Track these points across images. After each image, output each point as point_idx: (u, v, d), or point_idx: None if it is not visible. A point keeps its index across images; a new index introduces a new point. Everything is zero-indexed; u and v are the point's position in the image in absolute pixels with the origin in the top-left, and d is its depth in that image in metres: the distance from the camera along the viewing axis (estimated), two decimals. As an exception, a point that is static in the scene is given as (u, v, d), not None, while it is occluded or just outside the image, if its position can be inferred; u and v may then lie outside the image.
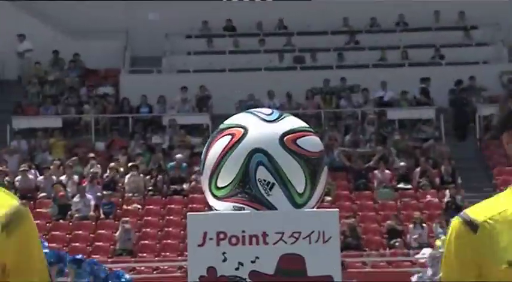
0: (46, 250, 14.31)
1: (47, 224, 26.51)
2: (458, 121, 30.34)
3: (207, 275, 5.97)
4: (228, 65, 33.15)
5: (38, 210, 27.14)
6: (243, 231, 6.12)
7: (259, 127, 6.51)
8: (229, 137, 6.48)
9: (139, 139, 30.64)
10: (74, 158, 29.29)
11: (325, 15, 34.27)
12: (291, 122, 6.65)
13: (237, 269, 6.04)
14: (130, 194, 27.91)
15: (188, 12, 34.30)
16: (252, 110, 6.67)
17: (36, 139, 30.80)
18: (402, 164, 28.54)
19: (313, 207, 6.71)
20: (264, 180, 6.43)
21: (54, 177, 28.28)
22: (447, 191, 27.03)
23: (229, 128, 6.60)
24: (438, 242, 22.67)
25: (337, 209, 6.20)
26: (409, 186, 28.08)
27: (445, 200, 26.74)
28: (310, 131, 6.68)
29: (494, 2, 33.81)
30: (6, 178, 28.29)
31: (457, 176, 28.37)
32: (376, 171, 28.28)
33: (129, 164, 28.67)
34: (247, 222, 6.15)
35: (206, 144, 6.59)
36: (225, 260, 6.03)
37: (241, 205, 6.58)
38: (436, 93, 32.36)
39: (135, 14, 34.34)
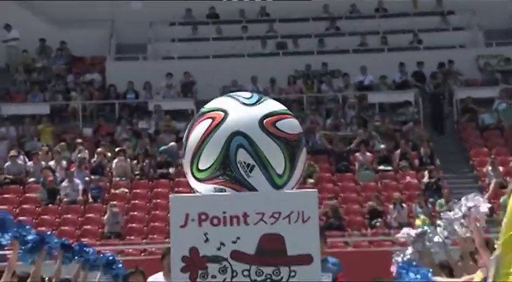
0: (32, 236, 14.23)
1: (36, 209, 26.38)
2: (435, 117, 30.22)
3: (189, 255, 5.95)
4: (212, 51, 33.04)
5: (27, 195, 27.07)
6: (224, 212, 6.11)
7: (239, 110, 6.49)
8: (210, 120, 6.47)
9: (125, 125, 30.52)
10: (62, 144, 29.15)
11: (306, 2, 34.21)
12: (270, 105, 6.64)
13: (218, 249, 6.03)
14: (117, 179, 27.81)
15: (172, 1, 34.25)
16: (232, 93, 6.65)
17: (24, 125, 30.66)
18: (382, 146, 28.51)
19: (292, 188, 6.70)
20: (244, 163, 6.42)
21: (43, 162, 28.17)
22: (426, 172, 27.04)
23: (210, 111, 6.58)
24: (418, 221, 22.73)
25: (315, 190, 6.20)
26: (389, 168, 28.04)
27: (424, 180, 26.76)
28: (289, 114, 6.66)
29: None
30: (-2, 164, 28.25)
31: (436, 158, 28.38)
32: (357, 154, 28.22)
33: (116, 149, 28.57)
34: (228, 204, 6.13)
35: (188, 128, 6.58)
36: (207, 240, 6.01)
37: (222, 187, 6.56)
38: (416, 77, 32.30)
39: (119, 3, 34.23)
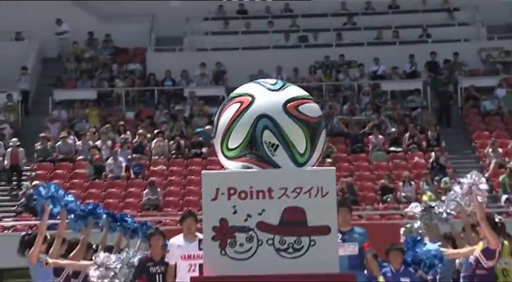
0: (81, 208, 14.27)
1: (84, 183, 26.40)
2: (442, 112, 29.98)
3: (219, 226, 5.96)
4: (241, 44, 32.92)
5: (76, 171, 27.10)
6: (251, 187, 6.11)
7: (265, 95, 6.47)
8: (239, 104, 6.44)
9: (163, 109, 30.48)
10: (107, 126, 29.14)
11: (324, 1, 34.13)
12: (293, 91, 6.61)
13: (245, 220, 6.03)
14: (156, 157, 27.79)
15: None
16: (258, 80, 6.65)
17: (74, 109, 30.66)
18: (393, 130, 28.36)
19: (313, 166, 6.69)
20: (269, 142, 6.40)
21: (90, 142, 28.19)
22: (432, 153, 26.90)
23: (239, 96, 6.56)
24: (425, 197, 22.59)
25: (334, 168, 6.16)
26: (399, 149, 27.86)
27: (431, 160, 26.63)
28: (310, 99, 6.62)
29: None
30: (49, 143, 28.27)
31: (441, 140, 28.24)
32: (370, 136, 28.07)
33: (155, 131, 28.58)
34: (255, 179, 6.13)
35: (218, 111, 6.56)
36: (235, 212, 6.01)
37: (249, 164, 6.54)
38: (423, 67, 32.09)
39: (158, 2, 34.19)
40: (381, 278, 10.95)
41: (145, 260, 11.95)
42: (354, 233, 10.68)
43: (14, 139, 27.16)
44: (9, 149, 26.63)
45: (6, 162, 26.41)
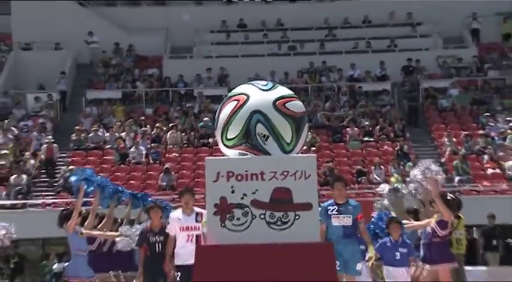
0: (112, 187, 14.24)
1: (112, 168, 26.28)
2: (411, 115, 29.94)
3: (219, 203, 5.93)
4: (241, 52, 32.78)
5: (105, 157, 27.02)
6: (246, 171, 6.07)
7: (258, 94, 6.43)
8: (236, 102, 6.41)
9: (176, 106, 30.38)
10: (130, 120, 29.05)
11: (310, 15, 33.97)
12: (281, 91, 6.57)
13: (241, 198, 5.99)
14: (171, 146, 27.70)
15: (211, 13, 34.14)
16: (252, 82, 6.62)
17: (103, 106, 30.58)
18: (367, 123, 28.33)
19: (297, 153, 6.65)
20: (262, 134, 6.36)
21: (116, 133, 28.08)
22: (398, 143, 26.88)
23: (236, 95, 6.52)
24: (392, 179, 22.58)
25: (315, 155, 6.13)
26: (371, 139, 27.77)
27: (397, 149, 26.60)
28: (295, 97, 6.59)
29: (433, 5, 33.56)
30: (82, 134, 28.20)
31: (406, 132, 28.22)
32: (348, 129, 28.02)
33: (170, 124, 28.54)
34: (249, 164, 6.10)
35: (219, 107, 6.53)
36: (233, 191, 5.98)
37: (244, 152, 6.51)
38: (391, 72, 32.05)
39: (174, 16, 34.09)
40: (371, 248, 10.51)
41: (146, 230, 11.64)
42: (348, 205, 10.24)
43: (49, 137, 27.08)
44: (45, 145, 26.54)
45: (42, 156, 26.31)
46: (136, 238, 11.91)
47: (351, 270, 10.17)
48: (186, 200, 10.90)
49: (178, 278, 10.80)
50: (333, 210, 10.07)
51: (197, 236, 10.47)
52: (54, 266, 21.23)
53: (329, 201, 10.25)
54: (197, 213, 10.64)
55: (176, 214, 11.01)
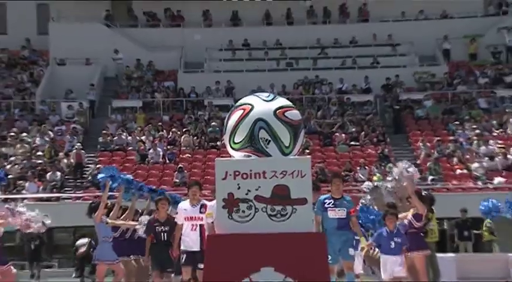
0: (133, 183, 14.23)
1: (133, 166, 26.26)
2: (395, 117, 29.94)
3: (227, 198, 5.91)
4: (245, 68, 32.76)
5: (127, 158, 27.02)
6: (250, 170, 6.06)
7: (261, 105, 6.42)
8: (242, 111, 6.39)
9: (190, 114, 30.43)
10: (149, 126, 29.05)
11: (305, 36, 34.00)
12: (281, 101, 6.56)
13: (246, 194, 5.97)
14: (184, 148, 27.72)
15: (220, 34, 34.15)
16: (256, 93, 6.61)
17: (126, 114, 30.60)
18: (353, 129, 28.35)
19: (294, 156, 6.65)
20: (264, 138, 6.35)
21: (137, 137, 28.09)
22: (380, 147, 26.86)
23: (242, 105, 6.50)
24: (375, 177, 22.56)
25: (309, 157, 6.12)
26: (357, 144, 27.81)
27: (379, 152, 26.59)
28: (293, 107, 6.57)
29: (410, 28, 33.62)
30: (108, 138, 28.22)
31: (386, 137, 28.21)
32: (337, 134, 28.09)
33: (184, 129, 28.56)
34: (253, 165, 6.08)
35: (227, 115, 6.52)
36: (239, 188, 5.96)
37: (249, 154, 6.52)
38: (374, 86, 32.00)
39: (187, 36, 34.11)
40: (363, 239, 10.41)
41: (153, 221, 11.35)
42: (343, 200, 10.06)
43: (78, 144, 27.15)
44: (75, 150, 26.54)
45: (72, 160, 26.30)
46: None
47: (345, 256, 9.94)
48: (194, 192, 10.59)
49: (183, 261, 10.55)
50: (329, 203, 9.91)
51: (201, 226, 10.27)
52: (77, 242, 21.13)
53: (326, 195, 10.09)
54: (202, 205, 10.40)
55: (183, 205, 10.71)
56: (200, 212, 10.27)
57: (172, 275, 11.58)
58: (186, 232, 10.43)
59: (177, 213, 10.81)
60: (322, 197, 10.07)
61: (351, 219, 10.08)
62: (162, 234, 10.96)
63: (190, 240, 10.37)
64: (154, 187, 16.34)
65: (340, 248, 9.88)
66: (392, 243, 10.48)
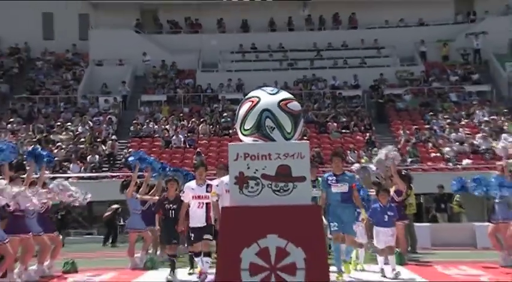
0: (159, 164, 14.21)
1: (159, 150, 26.24)
2: (380, 109, 29.83)
3: (238, 175, 5.87)
4: (253, 67, 32.67)
5: (154, 143, 27.02)
6: (258, 153, 6.02)
7: (267, 97, 6.38)
8: (251, 102, 6.35)
9: (206, 106, 30.38)
10: (172, 116, 29.04)
11: (304, 41, 33.86)
12: (284, 94, 6.51)
13: (254, 172, 5.92)
14: (202, 135, 27.72)
15: (232, 39, 34.04)
16: (262, 88, 6.57)
17: (153, 106, 30.61)
18: (344, 119, 28.26)
19: (295, 140, 6.62)
20: (269, 126, 6.31)
21: (163, 126, 28.13)
22: (367, 134, 26.77)
23: (251, 97, 6.46)
24: (362, 160, 22.49)
25: (308, 142, 6.06)
26: (348, 131, 27.75)
27: (366, 138, 26.50)
28: (294, 99, 6.54)
29: (393, 33, 33.46)
30: (138, 126, 28.21)
31: (372, 126, 28.11)
32: (330, 123, 28.01)
33: (201, 119, 28.51)
34: (260, 148, 6.05)
35: (238, 106, 6.49)
36: (248, 168, 5.91)
37: (257, 139, 6.50)
38: (362, 82, 31.88)
39: (204, 41, 34.02)
40: (363, 210, 9.98)
41: (163, 199, 10.71)
42: (345, 176, 9.63)
43: (114, 137, 27.07)
44: (110, 141, 26.48)
45: (107, 151, 26.22)
46: None
47: (349, 231, 9.62)
48: (200, 172, 9.96)
49: (192, 239, 10.10)
50: (332, 180, 9.55)
51: (207, 204, 9.83)
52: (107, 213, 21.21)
53: (329, 173, 9.75)
54: (208, 185, 9.87)
55: (190, 184, 10.10)
56: (207, 191, 9.79)
57: (180, 246, 11.29)
58: (193, 209, 9.93)
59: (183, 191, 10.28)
60: (326, 174, 9.77)
61: (353, 192, 9.67)
62: (171, 211, 10.34)
63: (197, 217, 9.88)
64: (176, 168, 16.32)
65: (344, 222, 9.55)
66: (386, 217, 10.19)
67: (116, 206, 20.68)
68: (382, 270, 10.02)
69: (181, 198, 10.10)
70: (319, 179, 10.44)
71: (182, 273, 10.73)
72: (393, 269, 9.76)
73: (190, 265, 11.01)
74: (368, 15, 34.22)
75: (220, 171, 10.12)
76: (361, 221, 10.18)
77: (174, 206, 10.28)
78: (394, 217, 10.33)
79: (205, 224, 9.81)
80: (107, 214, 20.59)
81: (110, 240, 20.35)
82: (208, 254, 9.93)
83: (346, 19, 35.15)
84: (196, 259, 10.22)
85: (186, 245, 11.61)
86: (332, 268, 9.37)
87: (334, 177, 9.53)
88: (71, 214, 21.82)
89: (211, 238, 9.84)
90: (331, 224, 9.65)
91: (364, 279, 9.63)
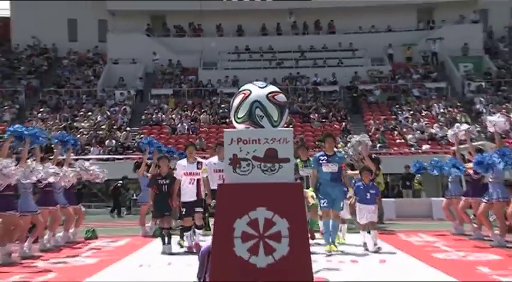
0: (165, 148, 14.08)
1: (166, 136, 26.18)
2: (354, 102, 29.76)
3: (232, 157, 5.81)
4: (246, 66, 32.56)
5: (162, 130, 26.93)
6: (249, 138, 5.94)
7: (257, 90, 6.28)
8: (243, 95, 6.25)
9: (207, 99, 30.24)
10: (178, 107, 28.97)
11: (290, 43, 33.67)
12: (272, 88, 6.41)
13: (246, 155, 5.85)
14: (203, 123, 27.64)
15: (229, 42, 33.83)
16: (253, 82, 6.48)
17: (161, 99, 30.47)
18: (324, 111, 28.21)
19: (281, 127, 6.55)
20: (259, 115, 6.23)
21: (169, 116, 28.02)
22: (343, 123, 26.75)
23: (243, 90, 6.36)
24: (339, 145, 22.44)
25: (292, 129, 5.99)
26: (327, 121, 27.73)
27: (342, 127, 26.48)
28: (281, 92, 6.46)
29: (365, 38, 33.35)
30: (149, 116, 28.12)
31: (348, 116, 28.08)
32: (311, 114, 27.98)
33: (202, 110, 28.38)
34: (251, 134, 5.97)
35: (233, 98, 6.41)
36: (241, 150, 5.83)
37: (248, 126, 6.43)
38: (339, 79, 31.75)
39: (205, 43, 33.81)
40: (351, 189, 9.39)
41: (156, 175, 9.84)
42: (335, 156, 8.94)
43: (128, 128, 26.74)
44: (125, 132, 26.28)
45: (121, 139, 26.01)
46: None
47: (336, 208, 8.98)
48: (190, 151, 9.33)
49: (183, 212, 9.44)
50: (323, 159, 8.94)
51: (198, 180, 9.24)
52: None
53: (320, 152, 9.18)
54: (198, 162, 9.25)
55: (182, 162, 9.42)
56: (197, 168, 9.16)
57: (173, 221, 10.47)
58: (185, 185, 9.25)
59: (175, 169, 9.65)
60: (318, 154, 9.14)
61: (342, 172, 9.03)
62: (164, 186, 9.50)
63: (188, 192, 9.23)
64: (181, 151, 16.21)
65: (333, 199, 8.91)
66: (368, 195, 9.43)
67: (119, 182, 20.61)
68: (364, 244, 9.42)
69: (174, 175, 9.50)
70: (311, 159, 9.95)
71: (174, 244, 9.84)
72: (375, 244, 9.16)
73: (180, 237, 10.09)
74: (344, 22, 34.11)
75: (221, 148, 9.16)
76: (348, 198, 9.57)
77: (167, 181, 9.51)
78: (376, 195, 9.58)
79: (196, 199, 9.31)
80: (114, 185, 20.67)
81: (116, 211, 20.16)
82: (200, 227, 9.48)
83: (326, 25, 35.03)
84: (185, 234, 9.58)
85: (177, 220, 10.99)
86: (322, 242, 9.07)
87: (326, 157, 8.93)
88: (86, 188, 21.61)
89: (203, 210, 9.43)
90: (321, 201, 9.04)
91: (350, 252, 9.02)
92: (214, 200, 8.41)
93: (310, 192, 9.40)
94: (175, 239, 9.94)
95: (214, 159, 9.69)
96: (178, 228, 10.32)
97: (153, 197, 9.61)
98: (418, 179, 19.86)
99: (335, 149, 9.44)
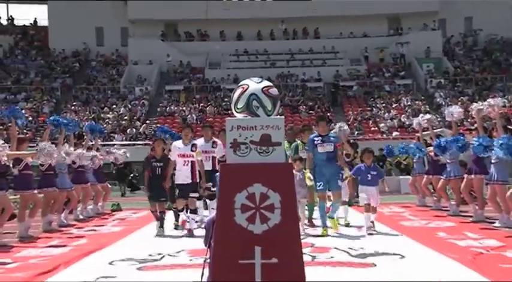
0: (177, 135, 13.89)
1: (178, 126, 26.01)
2: (335, 96, 29.60)
3: (233, 141, 5.75)
4: (245, 66, 32.42)
5: (175, 120, 26.86)
6: (247, 125, 5.88)
7: (254, 85, 6.20)
8: (242, 88, 6.15)
9: (213, 94, 30.13)
10: (187, 102, 28.84)
11: (282, 47, 33.45)
12: (266, 83, 6.31)
13: (245, 139, 5.79)
14: (209, 114, 27.53)
15: (230, 46, 33.62)
16: (250, 78, 6.39)
17: (173, 94, 30.34)
18: (310, 103, 28.12)
19: (274, 116, 6.46)
20: (255, 105, 6.18)
21: (181, 108, 27.91)
22: (328, 114, 26.67)
23: (242, 85, 6.28)
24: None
25: (283, 117, 5.93)
26: (313, 112, 27.63)
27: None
28: (274, 86, 6.38)
29: (345, 43, 33.20)
30: (163, 108, 28.03)
31: (330, 108, 28.00)
32: (300, 107, 27.90)
33: (208, 103, 28.27)
34: (249, 122, 5.88)
35: (233, 91, 6.34)
36: (240, 136, 5.75)
37: (246, 115, 6.36)
38: (324, 77, 31.53)
39: (211, 46, 33.62)
40: (347, 169, 8.08)
41: (150, 157, 8.44)
42: (330, 137, 8.00)
43: (148, 121, 26.35)
44: (144, 125, 26.02)
45: (140, 129, 25.73)
46: None
47: (333, 187, 7.87)
48: (186, 133, 8.10)
49: (178, 195, 8.10)
50: (318, 140, 7.98)
51: (192, 162, 7.95)
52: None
53: (314, 134, 8.19)
54: (193, 145, 8.02)
55: (177, 143, 8.18)
56: (191, 150, 7.94)
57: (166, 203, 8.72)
58: (179, 167, 7.98)
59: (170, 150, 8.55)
60: (312, 136, 8.10)
61: (337, 152, 8.02)
62: (157, 168, 8.19)
63: (183, 175, 7.94)
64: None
65: (329, 180, 7.81)
66: (369, 176, 7.97)
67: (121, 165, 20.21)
68: (367, 227, 7.99)
69: (169, 156, 8.25)
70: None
71: (169, 228, 8.46)
72: (369, 227, 7.80)
73: (175, 218, 8.61)
74: (328, 29, 33.99)
75: (224, 134, 7.92)
76: (344, 178, 8.20)
77: (161, 164, 8.22)
78: (379, 177, 8.06)
79: (190, 181, 7.99)
80: (115, 172, 20.27)
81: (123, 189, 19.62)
82: (194, 211, 8.06)
83: (312, 32, 34.87)
84: (180, 214, 8.31)
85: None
86: (318, 223, 8.00)
87: (320, 138, 7.96)
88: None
89: (197, 196, 8.10)
90: (317, 183, 7.91)
91: (350, 234, 7.77)
92: (210, 183, 7.86)
93: (307, 173, 8.41)
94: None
95: (200, 141, 8.69)
96: (172, 209, 8.77)
97: (147, 180, 8.27)
98: (389, 160, 19.88)
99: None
